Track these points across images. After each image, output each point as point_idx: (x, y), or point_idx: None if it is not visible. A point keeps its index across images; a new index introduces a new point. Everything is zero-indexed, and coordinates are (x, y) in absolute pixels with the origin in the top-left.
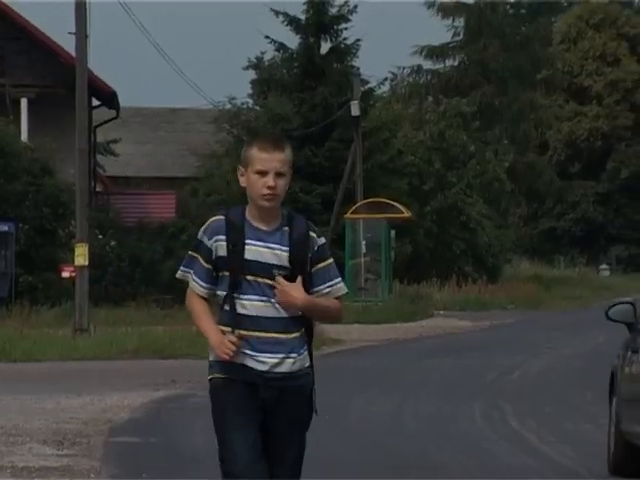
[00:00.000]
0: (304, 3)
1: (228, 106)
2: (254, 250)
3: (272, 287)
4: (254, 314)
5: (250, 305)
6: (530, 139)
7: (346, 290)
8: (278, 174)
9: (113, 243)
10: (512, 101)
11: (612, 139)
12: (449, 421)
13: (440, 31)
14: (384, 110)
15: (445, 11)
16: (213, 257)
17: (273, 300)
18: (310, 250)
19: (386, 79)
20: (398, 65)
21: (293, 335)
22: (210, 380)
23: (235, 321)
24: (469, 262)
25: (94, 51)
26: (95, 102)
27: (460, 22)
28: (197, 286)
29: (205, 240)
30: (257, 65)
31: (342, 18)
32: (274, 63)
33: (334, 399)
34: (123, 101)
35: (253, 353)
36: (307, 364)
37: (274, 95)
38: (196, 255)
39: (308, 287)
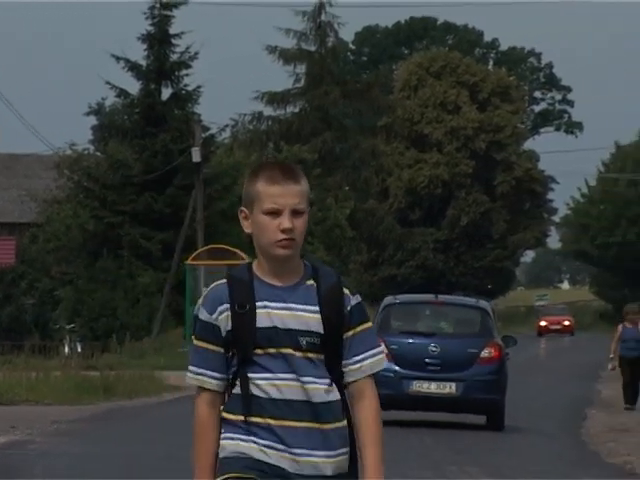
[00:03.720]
0: (145, 49)
1: (69, 152)
2: (271, 314)
3: (303, 360)
4: (277, 397)
5: (269, 386)
6: (371, 186)
7: (383, 365)
8: (295, 212)
9: None
10: (353, 148)
11: (452, 186)
12: None
13: (282, 77)
14: (225, 157)
15: (286, 57)
16: (223, 335)
17: (304, 379)
18: (344, 309)
19: (227, 126)
20: (239, 112)
21: (331, 426)
22: None
23: (248, 406)
24: None
25: None
26: None
27: (301, 69)
28: (206, 379)
29: (204, 316)
30: (98, 111)
31: (183, 64)
32: (115, 109)
33: (173, 447)
34: None
35: (280, 447)
36: (346, 468)
37: (115, 141)
38: (197, 341)
39: (338, 361)
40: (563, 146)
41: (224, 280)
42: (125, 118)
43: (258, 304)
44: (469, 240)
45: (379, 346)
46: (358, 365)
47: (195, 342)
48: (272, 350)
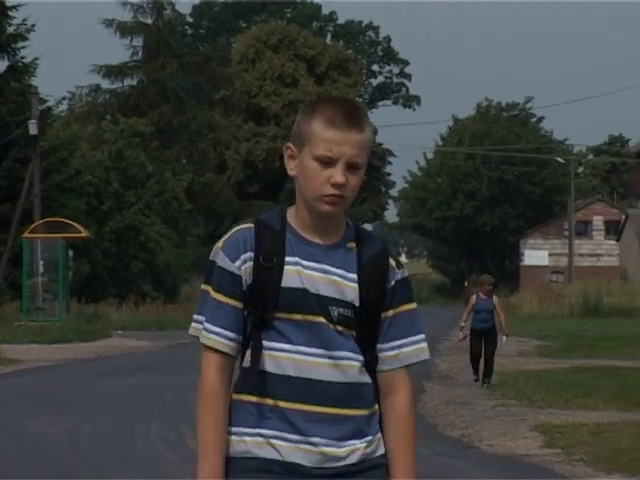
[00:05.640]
0: None
1: None
2: (302, 273)
3: (335, 332)
4: (294, 374)
5: (286, 359)
6: (208, 159)
7: (425, 356)
8: (351, 166)
9: None
10: (190, 121)
11: None
12: (126, 441)
13: (119, 50)
14: (62, 129)
15: (123, 30)
16: (244, 287)
17: (337, 354)
18: (387, 284)
19: (64, 98)
20: (77, 84)
21: (362, 412)
22: None
23: (261, 385)
24: (148, 282)
25: None
26: None
27: (139, 41)
28: (222, 340)
29: (225, 263)
30: None
31: (20, 37)
32: None
33: (10, 420)
34: None
35: (294, 437)
36: (381, 451)
37: None
38: (215, 293)
39: (372, 342)
40: (401, 120)
41: (250, 224)
42: None
43: (288, 259)
44: None
45: (422, 333)
46: (395, 352)
47: (212, 294)
48: (298, 317)
